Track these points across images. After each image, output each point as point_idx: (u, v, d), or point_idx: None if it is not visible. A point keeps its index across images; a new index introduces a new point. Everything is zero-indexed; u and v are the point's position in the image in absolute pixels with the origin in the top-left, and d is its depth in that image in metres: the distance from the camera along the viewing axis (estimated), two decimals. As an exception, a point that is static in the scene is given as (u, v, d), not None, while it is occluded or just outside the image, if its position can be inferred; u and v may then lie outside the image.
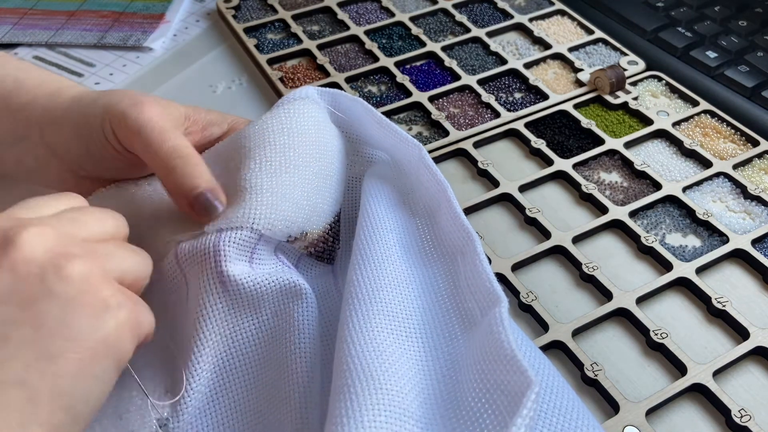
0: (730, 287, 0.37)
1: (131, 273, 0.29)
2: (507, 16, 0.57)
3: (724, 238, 0.38)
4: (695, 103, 0.47)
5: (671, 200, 0.41)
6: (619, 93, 0.48)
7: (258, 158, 0.32)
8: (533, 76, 0.50)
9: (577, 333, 0.34)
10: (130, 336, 0.27)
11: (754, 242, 0.38)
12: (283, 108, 0.35)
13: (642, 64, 0.50)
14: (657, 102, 0.48)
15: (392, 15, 0.57)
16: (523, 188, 0.42)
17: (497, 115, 0.47)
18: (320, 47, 0.53)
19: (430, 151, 0.44)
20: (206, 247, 0.30)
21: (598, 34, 0.54)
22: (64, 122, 0.34)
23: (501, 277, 0.36)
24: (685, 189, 0.41)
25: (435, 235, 0.33)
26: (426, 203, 0.34)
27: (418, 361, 0.27)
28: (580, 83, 0.49)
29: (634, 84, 0.49)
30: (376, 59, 0.52)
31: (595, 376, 0.32)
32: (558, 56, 0.52)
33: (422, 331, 0.28)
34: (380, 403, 0.24)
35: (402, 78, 0.50)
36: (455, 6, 0.57)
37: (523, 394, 0.23)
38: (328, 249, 0.35)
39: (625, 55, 0.52)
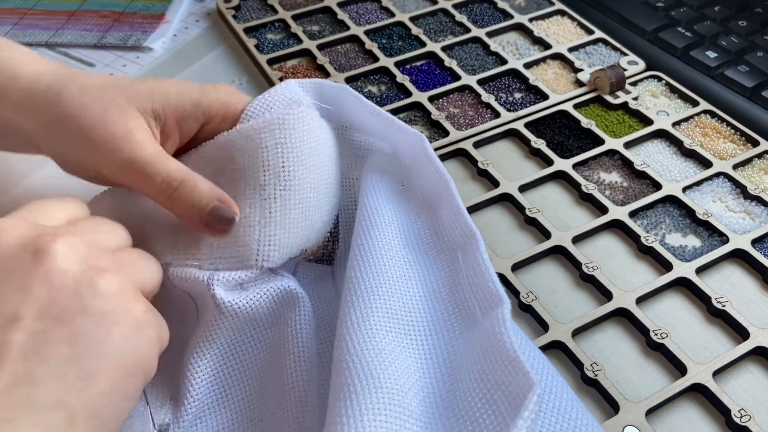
0: (730, 287, 0.37)
1: (150, 282, 0.28)
2: (507, 16, 0.57)
3: (724, 238, 0.38)
4: (695, 103, 0.47)
5: (671, 200, 0.41)
6: (619, 93, 0.48)
7: (252, 183, 0.31)
8: (533, 76, 0.50)
9: (577, 333, 0.34)
10: (156, 353, 0.26)
11: (754, 242, 0.38)
12: (277, 119, 0.32)
13: (642, 64, 0.51)
14: (657, 102, 0.48)
15: (392, 15, 0.57)
16: (523, 188, 0.42)
17: (497, 115, 0.47)
18: (320, 47, 0.53)
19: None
20: (198, 277, 0.30)
21: (598, 34, 0.54)
22: (48, 137, 0.32)
23: (501, 277, 0.36)
24: (685, 189, 0.41)
25: (435, 229, 0.32)
26: (426, 196, 0.34)
27: (417, 359, 0.27)
28: (580, 83, 0.49)
29: (634, 84, 0.49)
30: (376, 59, 0.52)
31: (595, 376, 0.32)
32: (558, 56, 0.52)
33: (422, 328, 0.28)
34: (380, 402, 0.24)
35: (402, 78, 0.50)
36: (455, 6, 0.57)
37: (524, 396, 0.23)
38: (327, 253, 0.35)
39: (625, 55, 0.52)
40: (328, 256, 0.35)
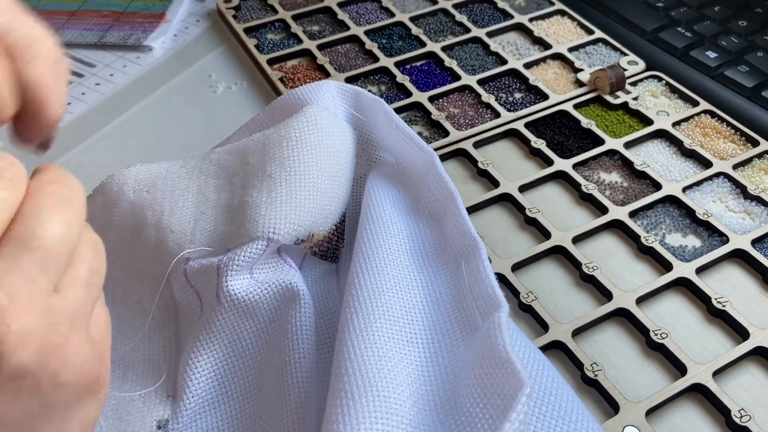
0: (730, 287, 0.37)
1: (97, 291, 0.21)
2: (507, 16, 0.57)
3: (724, 238, 0.38)
4: (695, 103, 0.47)
5: (671, 200, 0.41)
6: (619, 93, 0.48)
7: (260, 174, 0.33)
8: (533, 76, 0.50)
9: (577, 333, 0.34)
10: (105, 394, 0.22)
11: (754, 242, 0.38)
12: (283, 122, 0.35)
13: (642, 64, 0.51)
14: (657, 102, 0.48)
15: (392, 15, 0.57)
16: (523, 188, 0.42)
17: (497, 115, 0.47)
18: (320, 47, 0.53)
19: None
20: (213, 264, 0.31)
21: (598, 34, 0.54)
22: None
23: (501, 277, 0.36)
24: (685, 189, 0.41)
25: (440, 239, 0.33)
26: (432, 208, 0.34)
27: (418, 367, 0.27)
28: (580, 83, 0.49)
29: (634, 84, 0.49)
30: (376, 59, 0.52)
31: (595, 376, 0.32)
32: (558, 56, 0.52)
33: (424, 336, 0.28)
34: (377, 410, 0.24)
35: (402, 78, 0.50)
36: (455, 6, 0.57)
37: (515, 397, 0.23)
38: (332, 248, 0.35)
39: (625, 55, 0.52)
40: (332, 252, 0.35)
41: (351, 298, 0.29)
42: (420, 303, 0.29)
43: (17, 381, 0.17)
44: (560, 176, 0.43)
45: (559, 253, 0.38)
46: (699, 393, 0.32)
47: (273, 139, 0.34)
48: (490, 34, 0.54)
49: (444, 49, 0.53)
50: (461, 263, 0.31)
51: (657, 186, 0.42)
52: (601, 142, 0.45)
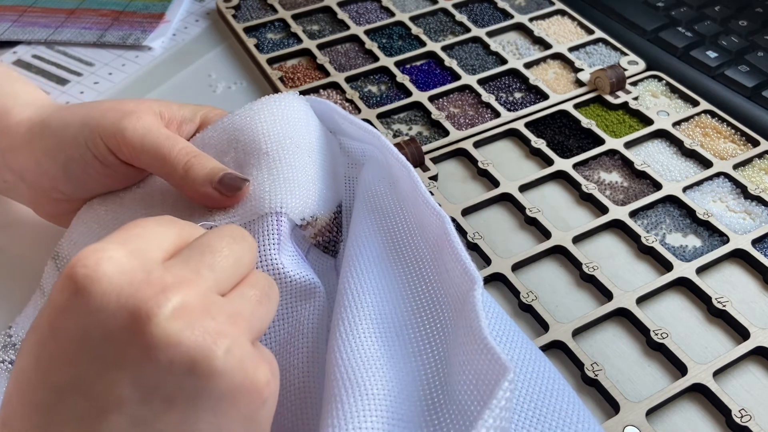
0: (730, 287, 0.36)
1: (265, 326, 0.23)
2: (507, 16, 0.57)
3: (724, 238, 0.38)
4: (695, 103, 0.47)
5: (671, 200, 0.41)
6: (619, 93, 0.48)
7: (257, 153, 0.33)
8: (533, 76, 0.50)
9: (577, 333, 0.34)
10: (271, 422, 0.23)
11: (754, 242, 0.38)
12: (267, 101, 0.35)
13: (642, 64, 0.50)
14: (657, 102, 0.48)
15: (392, 15, 0.57)
16: (523, 188, 0.42)
17: (497, 115, 0.47)
18: (320, 47, 0.53)
19: (430, 151, 0.44)
20: None
21: (598, 34, 0.54)
22: (29, 150, 0.33)
23: (501, 277, 0.36)
24: (685, 189, 0.41)
25: (412, 222, 0.32)
26: (402, 199, 0.34)
27: (409, 361, 0.27)
28: (580, 83, 0.49)
29: (634, 84, 0.49)
30: (376, 59, 0.52)
31: (595, 376, 0.32)
32: (558, 56, 0.52)
33: (411, 328, 0.28)
34: (366, 408, 0.24)
35: (402, 78, 0.50)
36: (455, 6, 0.57)
37: (497, 383, 0.22)
38: (333, 239, 0.35)
39: (625, 55, 0.52)
40: (333, 244, 0.35)
41: (338, 305, 0.29)
42: (405, 298, 0.29)
43: (170, 352, 0.19)
44: (560, 176, 0.43)
45: (559, 253, 0.38)
46: (699, 393, 0.32)
47: (264, 118, 0.34)
48: (490, 34, 0.54)
49: (444, 48, 0.53)
50: (437, 247, 0.30)
51: (657, 186, 0.42)
52: (602, 141, 0.45)
